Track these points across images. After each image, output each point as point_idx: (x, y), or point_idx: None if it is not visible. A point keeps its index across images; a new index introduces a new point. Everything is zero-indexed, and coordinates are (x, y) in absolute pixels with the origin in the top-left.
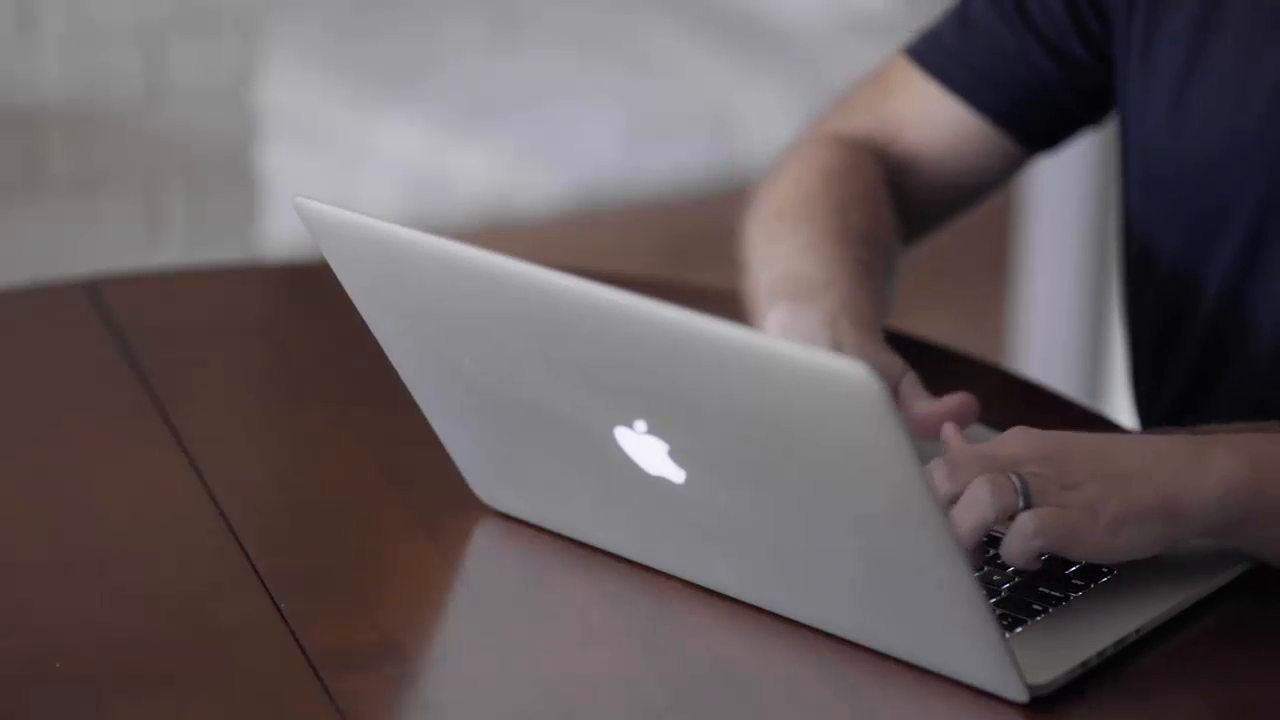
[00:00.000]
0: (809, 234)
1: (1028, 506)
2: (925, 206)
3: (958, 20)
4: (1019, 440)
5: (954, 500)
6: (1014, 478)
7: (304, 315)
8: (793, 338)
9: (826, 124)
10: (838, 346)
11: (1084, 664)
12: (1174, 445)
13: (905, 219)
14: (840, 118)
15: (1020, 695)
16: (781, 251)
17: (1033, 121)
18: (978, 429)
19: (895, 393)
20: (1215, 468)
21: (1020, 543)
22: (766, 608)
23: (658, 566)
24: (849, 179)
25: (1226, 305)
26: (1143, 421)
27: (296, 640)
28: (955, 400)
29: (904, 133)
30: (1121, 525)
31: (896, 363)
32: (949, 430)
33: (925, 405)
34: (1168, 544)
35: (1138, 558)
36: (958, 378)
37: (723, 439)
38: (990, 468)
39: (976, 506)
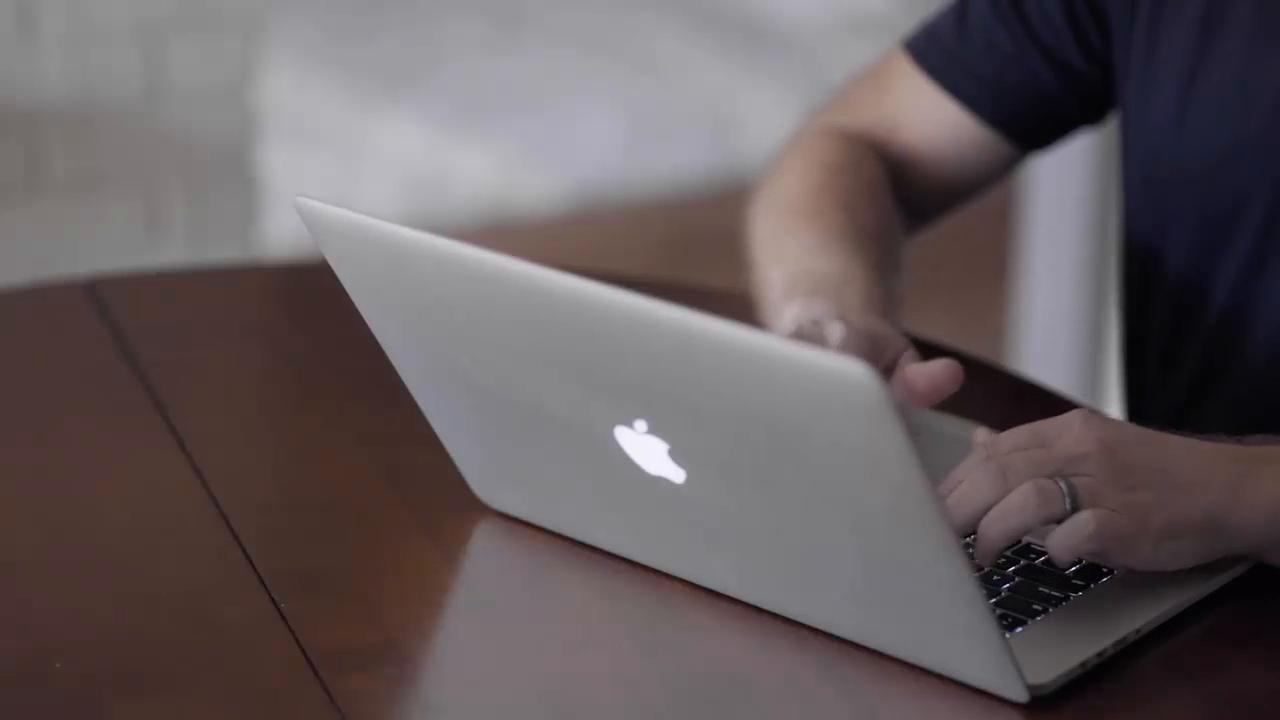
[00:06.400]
0: (820, 231)
1: (1074, 511)
2: (922, 202)
3: (956, 19)
4: (1081, 432)
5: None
6: (1062, 484)
7: (304, 315)
8: (808, 332)
9: (825, 118)
10: (844, 317)
11: (1084, 664)
12: (1225, 458)
13: (903, 213)
14: (838, 112)
15: (1020, 695)
16: (794, 248)
17: (1030, 125)
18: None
19: (895, 365)
20: (1265, 486)
21: (1077, 540)
22: (766, 608)
23: (658, 566)
24: (852, 174)
25: (1233, 307)
26: (1141, 423)
27: (296, 640)
28: (940, 365)
29: (902, 130)
30: (1166, 538)
31: (899, 338)
32: (982, 434)
33: (913, 367)
34: (1208, 558)
35: (1175, 569)
36: None
37: (723, 439)
38: (1047, 465)
39: (1021, 513)
